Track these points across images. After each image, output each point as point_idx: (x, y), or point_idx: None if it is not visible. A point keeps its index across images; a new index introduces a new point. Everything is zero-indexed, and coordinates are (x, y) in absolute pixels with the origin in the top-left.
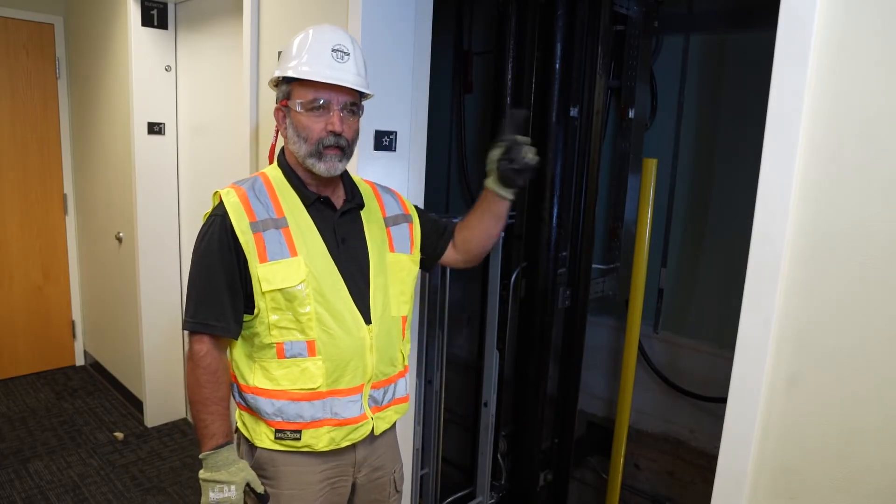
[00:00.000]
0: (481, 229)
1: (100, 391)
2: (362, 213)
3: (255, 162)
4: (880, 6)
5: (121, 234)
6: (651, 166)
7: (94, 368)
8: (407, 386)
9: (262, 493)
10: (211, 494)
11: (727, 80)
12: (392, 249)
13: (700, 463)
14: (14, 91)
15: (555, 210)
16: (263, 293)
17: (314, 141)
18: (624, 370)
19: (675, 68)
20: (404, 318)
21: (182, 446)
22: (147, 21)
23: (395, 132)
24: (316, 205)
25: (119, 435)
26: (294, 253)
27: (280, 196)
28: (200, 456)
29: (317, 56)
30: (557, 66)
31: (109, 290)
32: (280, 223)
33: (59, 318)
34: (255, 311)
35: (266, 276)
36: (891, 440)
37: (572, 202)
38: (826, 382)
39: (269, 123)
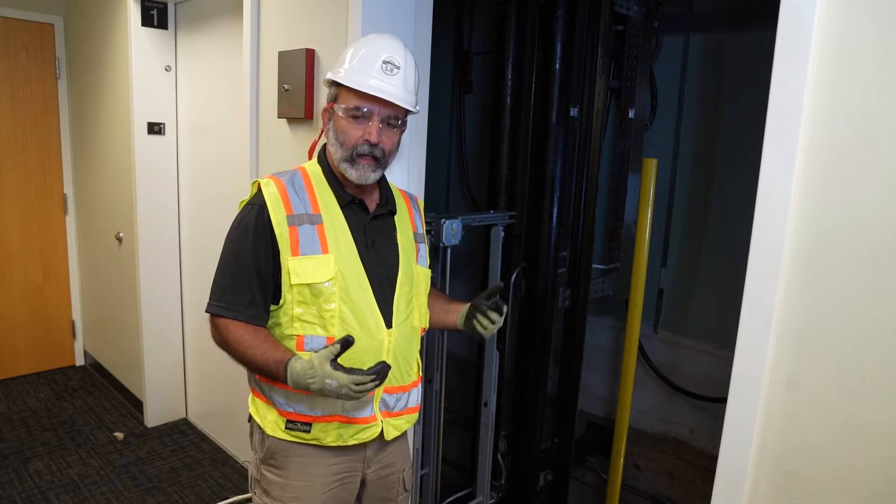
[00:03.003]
0: (433, 323)
1: (100, 391)
2: (396, 220)
3: (255, 162)
4: (880, 6)
5: (121, 234)
6: (651, 166)
7: (94, 368)
8: (420, 396)
9: (346, 338)
10: (328, 388)
11: (727, 80)
12: (417, 262)
13: (700, 463)
14: (14, 91)
15: (555, 210)
16: (291, 286)
17: (349, 147)
18: (624, 370)
19: (675, 68)
20: (423, 330)
21: (182, 446)
22: (147, 21)
23: None
24: (350, 206)
25: (119, 435)
26: (325, 250)
27: (317, 192)
28: (289, 383)
29: (366, 66)
30: (557, 66)
31: (109, 290)
32: (315, 219)
33: (59, 318)
34: (281, 301)
35: (296, 269)
36: (890, 440)
37: (572, 202)
38: (826, 382)
39: (268, 124)
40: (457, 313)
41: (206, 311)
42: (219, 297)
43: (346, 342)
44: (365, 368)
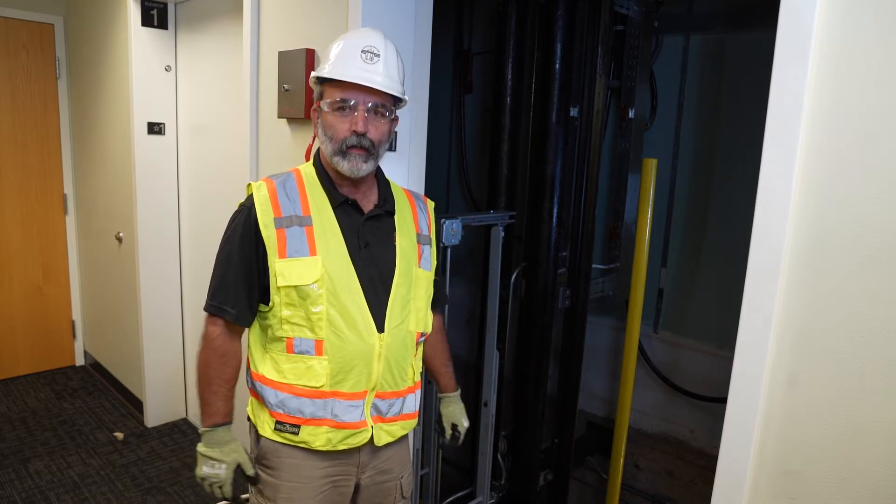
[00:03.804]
0: (425, 365)
1: (100, 391)
2: (396, 220)
3: (255, 162)
4: (880, 6)
5: (121, 234)
6: (651, 166)
7: (94, 368)
8: (417, 402)
9: (253, 475)
10: (204, 468)
11: (727, 80)
12: (419, 265)
13: (700, 463)
14: (14, 91)
15: (555, 210)
16: (278, 288)
17: (338, 140)
18: (624, 370)
19: (675, 68)
20: (419, 335)
21: (182, 446)
22: (147, 21)
23: (396, 132)
24: (343, 206)
25: (119, 435)
26: (313, 252)
27: (309, 194)
28: (200, 430)
29: (346, 58)
30: (557, 66)
31: (109, 290)
32: (304, 221)
33: (59, 318)
34: (270, 304)
35: (282, 271)
36: (890, 439)
37: (572, 202)
38: (826, 382)
39: (268, 124)
40: (442, 390)
41: (204, 310)
42: (211, 297)
43: (253, 482)
44: (353, 373)
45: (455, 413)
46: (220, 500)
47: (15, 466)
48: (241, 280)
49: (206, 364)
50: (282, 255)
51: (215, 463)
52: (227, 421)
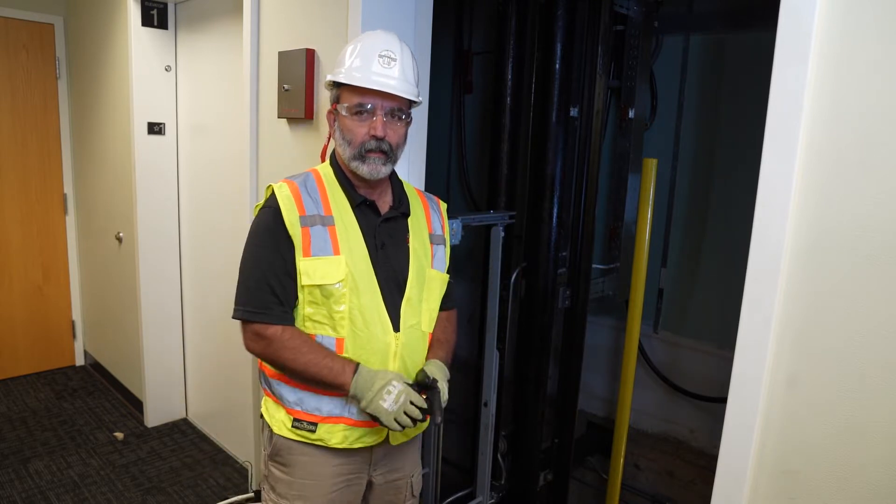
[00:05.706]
0: None
1: (100, 391)
2: (410, 222)
3: (255, 162)
4: (880, 6)
5: (121, 234)
6: (651, 166)
7: (94, 368)
8: None
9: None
10: (385, 405)
11: (727, 80)
12: (431, 266)
13: (700, 463)
14: (14, 91)
15: (555, 210)
16: (302, 286)
17: (357, 144)
18: (624, 370)
19: (675, 68)
20: (431, 335)
21: (182, 446)
22: (147, 21)
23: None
24: (361, 207)
25: (119, 435)
26: (337, 251)
27: (329, 194)
28: (350, 392)
29: (364, 62)
30: (557, 66)
31: (109, 290)
32: (327, 221)
33: (59, 318)
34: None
35: (307, 270)
36: (890, 439)
37: (572, 202)
38: (826, 382)
39: (268, 124)
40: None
41: (235, 318)
42: (245, 302)
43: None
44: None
45: (433, 370)
46: (420, 420)
47: (15, 466)
48: (278, 280)
49: (298, 353)
50: (306, 253)
51: (385, 389)
52: (355, 365)
